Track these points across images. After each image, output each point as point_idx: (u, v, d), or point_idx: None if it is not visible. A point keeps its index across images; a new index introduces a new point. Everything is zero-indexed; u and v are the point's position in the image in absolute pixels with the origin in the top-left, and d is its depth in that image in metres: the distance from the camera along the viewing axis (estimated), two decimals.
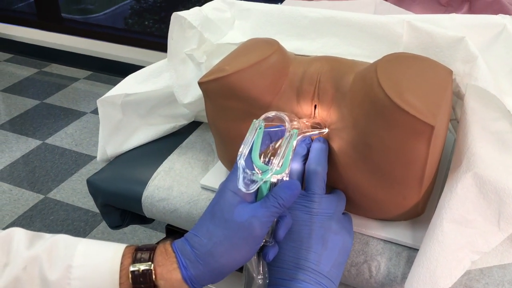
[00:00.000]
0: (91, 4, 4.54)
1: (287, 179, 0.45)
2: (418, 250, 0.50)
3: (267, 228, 0.43)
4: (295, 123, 0.49)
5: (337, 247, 0.47)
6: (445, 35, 0.53)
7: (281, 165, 0.43)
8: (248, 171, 0.43)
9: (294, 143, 0.45)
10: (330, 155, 0.52)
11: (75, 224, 1.58)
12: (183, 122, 0.73)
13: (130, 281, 0.41)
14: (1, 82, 2.49)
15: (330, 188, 0.53)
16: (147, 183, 0.65)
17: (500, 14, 0.57)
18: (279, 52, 0.53)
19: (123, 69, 2.54)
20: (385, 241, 0.54)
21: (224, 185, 0.45)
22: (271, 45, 0.54)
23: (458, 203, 0.48)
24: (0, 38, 2.74)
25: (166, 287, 0.41)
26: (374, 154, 0.48)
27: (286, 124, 0.46)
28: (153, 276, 0.41)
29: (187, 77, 0.65)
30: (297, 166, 0.50)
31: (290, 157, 0.44)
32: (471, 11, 1.02)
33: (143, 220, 0.72)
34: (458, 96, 0.54)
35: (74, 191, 1.72)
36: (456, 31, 0.53)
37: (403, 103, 0.44)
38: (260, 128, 0.45)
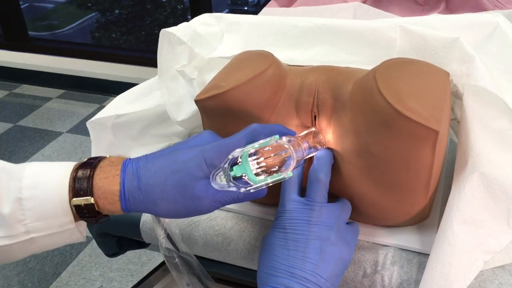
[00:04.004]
0: (55, 19, 4.46)
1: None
2: (428, 255, 0.49)
3: (212, 209, 0.45)
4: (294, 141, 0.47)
5: (334, 258, 0.46)
6: (439, 37, 0.53)
7: (260, 183, 0.43)
8: (229, 172, 0.43)
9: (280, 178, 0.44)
10: (334, 164, 0.51)
11: (60, 248, 1.53)
12: (176, 140, 0.71)
13: (76, 213, 0.42)
14: None
15: (336, 197, 0.52)
16: None
17: (490, 11, 0.57)
18: (275, 65, 0.52)
19: (96, 85, 2.50)
20: (394, 248, 0.53)
21: (204, 146, 0.45)
22: (267, 58, 0.53)
23: (466, 204, 0.48)
24: None
25: (108, 213, 0.45)
26: (379, 162, 0.48)
27: (292, 162, 0.45)
28: (96, 207, 0.43)
29: (179, 94, 0.63)
30: (295, 172, 0.49)
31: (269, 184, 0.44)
32: (447, 8, 1.04)
33: (141, 244, 0.70)
34: (456, 96, 0.54)
35: None
36: (449, 32, 0.53)
37: (406, 110, 0.43)
38: (273, 138, 0.44)
